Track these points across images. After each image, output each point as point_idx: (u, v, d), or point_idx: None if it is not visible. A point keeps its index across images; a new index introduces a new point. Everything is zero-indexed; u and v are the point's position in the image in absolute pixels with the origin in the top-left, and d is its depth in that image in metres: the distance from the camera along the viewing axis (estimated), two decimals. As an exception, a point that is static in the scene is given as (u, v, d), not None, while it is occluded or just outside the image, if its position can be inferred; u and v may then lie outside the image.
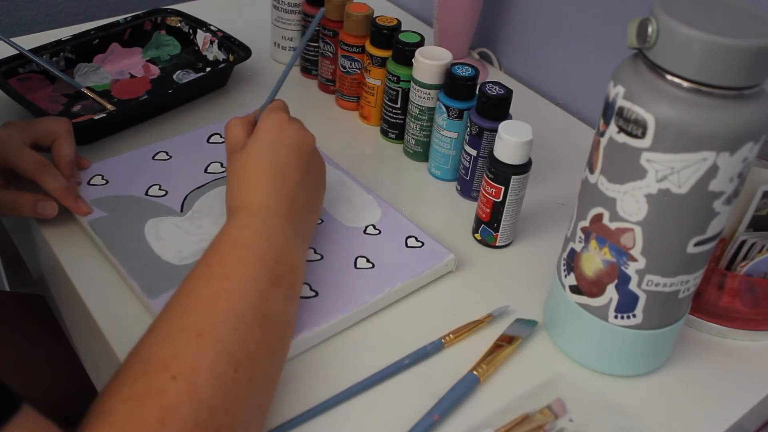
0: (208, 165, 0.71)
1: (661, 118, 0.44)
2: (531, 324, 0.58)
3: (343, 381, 0.53)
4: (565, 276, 0.55)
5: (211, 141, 0.74)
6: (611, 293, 0.51)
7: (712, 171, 0.44)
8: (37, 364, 0.74)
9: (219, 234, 0.52)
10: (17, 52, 0.77)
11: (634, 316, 0.52)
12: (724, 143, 0.43)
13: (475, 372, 0.54)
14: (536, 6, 0.90)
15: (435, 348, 0.56)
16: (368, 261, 0.61)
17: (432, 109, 0.73)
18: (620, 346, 0.54)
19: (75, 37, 0.83)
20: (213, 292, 0.48)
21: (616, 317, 0.52)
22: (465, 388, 0.53)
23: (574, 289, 0.54)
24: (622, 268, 0.50)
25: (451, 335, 0.57)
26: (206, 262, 0.50)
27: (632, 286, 0.50)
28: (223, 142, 0.74)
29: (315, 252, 0.62)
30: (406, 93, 0.75)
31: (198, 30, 0.88)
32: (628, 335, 0.53)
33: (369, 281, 0.59)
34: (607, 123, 0.47)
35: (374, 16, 0.78)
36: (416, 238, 0.64)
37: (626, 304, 0.51)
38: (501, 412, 0.52)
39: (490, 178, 0.63)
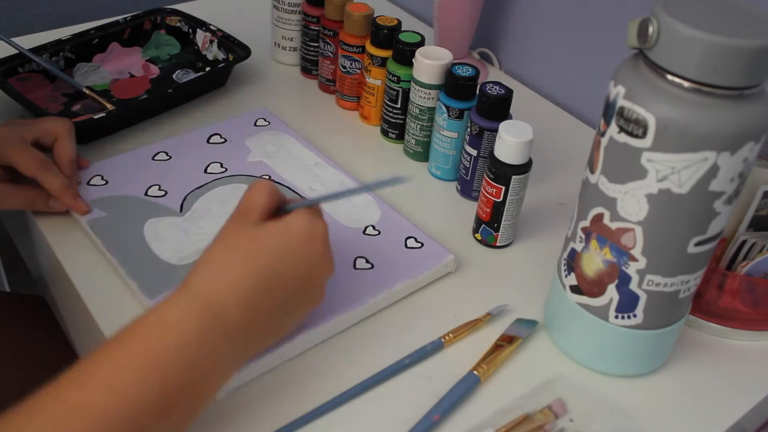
0: (208, 165, 0.71)
1: (661, 118, 0.43)
2: (531, 324, 0.58)
3: (343, 382, 0.53)
4: (566, 276, 0.55)
5: (210, 141, 0.74)
6: (612, 293, 0.51)
7: (713, 171, 0.44)
8: (37, 364, 0.73)
9: (144, 318, 0.43)
10: (17, 51, 0.77)
11: (635, 316, 0.52)
12: (725, 143, 0.43)
13: (475, 372, 0.54)
14: (536, 6, 0.90)
15: (435, 348, 0.56)
16: (367, 261, 0.61)
17: (432, 109, 0.73)
18: (620, 346, 0.54)
19: (75, 36, 0.83)
20: (78, 403, 0.39)
21: (616, 317, 0.52)
22: (465, 388, 0.53)
23: (575, 289, 0.54)
24: (623, 268, 0.50)
25: (450, 335, 0.57)
26: (102, 355, 0.42)
27: (633, 286, 0.50)
28: (222, 143, 0.74)
29: (315, 252, 0.62)
30: (406, 93, 0.75)
31: (198, 29, 0.88)
32: (629, 335, 0.53)
33: (368, 282, 0.59)
34: (607, 123, 0.47)
35: (374, 16, 0.78)
36: (416, 239, 0.64)
37: (627, 304, 0.51)
38: (501, 412, 0.52)
39: (490, 178, 0.63)
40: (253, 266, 0.46)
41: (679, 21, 0.42)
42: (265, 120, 0.78)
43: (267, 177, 0.70)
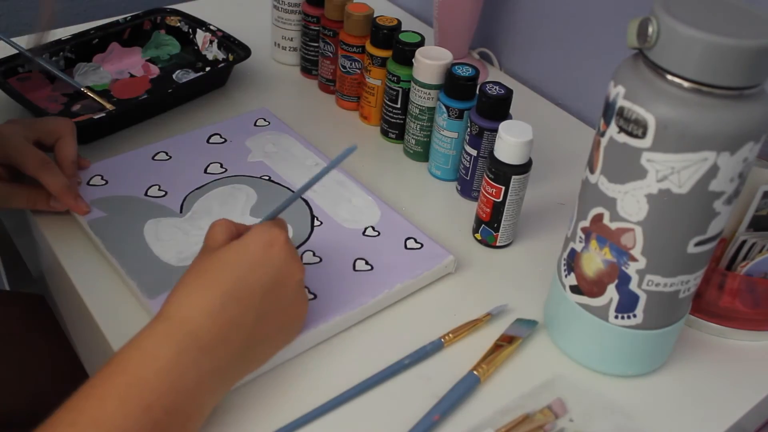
0: (208, 165, 0.71)
1: (661, 118, 0.43)
2: (531, 324, 0.58)
3: (343, 382, 0.53)
4: (566, 276, 0.55)
5: (210, 141, 0.74)
6: (611, 293, 0.51)
7: (713, 171, 0.44)
8: (37, 364, 0.74)
9: (123, 350, 0.45)
10: (17, 51, 0.77)
11: (635, 316, 0.52)
12: (725, 143, 0.43)
13: (475, 372, 0.54)
14: (536, 6, 0.90)
15: (435, 348, 0.56)
16: (367, 263, 0.61)
17: (432, 109, 0.73)
18: (620, 346, 0.54)
19: (75, 36, 0.83)
20: None
21: (616, 317, 0.52)
22: (465, 388, 0.53)
23: (575, 289, 0.54)
24: (623, 268, 0.50)
25: (450, 335, 0.57)
26: (86, 393, 0.43)
27: (632, 286, 0.50)
28: (222, 143, 0.74)
29: (314, 255, 0.62)
30: (406, 93, 0.75)
31: (197, 29, 0.88)
32: (629, 335, 0.53)
33: (368, 283, 0.59)
34: (607, 123, 0.47)
35: (374, 16, 0.78)
36: (415, 240, 0.64)
37: (626, 304, 0.51)
38: (501, 412, 0.52)
39: (490, 178, 0.63)
40: (218, 283, 0.47)
41: (679, 21, 0.42)
42: (265, 120, 0.78)
43: (267, 177, 0.70)
